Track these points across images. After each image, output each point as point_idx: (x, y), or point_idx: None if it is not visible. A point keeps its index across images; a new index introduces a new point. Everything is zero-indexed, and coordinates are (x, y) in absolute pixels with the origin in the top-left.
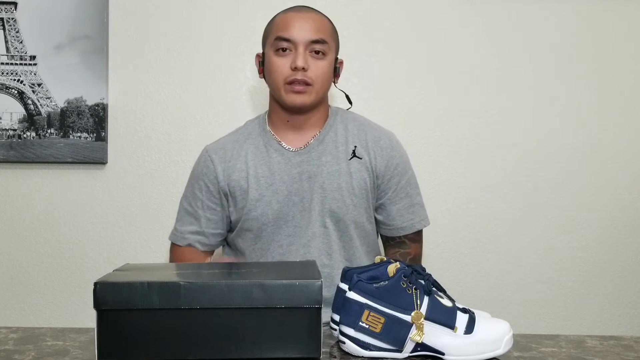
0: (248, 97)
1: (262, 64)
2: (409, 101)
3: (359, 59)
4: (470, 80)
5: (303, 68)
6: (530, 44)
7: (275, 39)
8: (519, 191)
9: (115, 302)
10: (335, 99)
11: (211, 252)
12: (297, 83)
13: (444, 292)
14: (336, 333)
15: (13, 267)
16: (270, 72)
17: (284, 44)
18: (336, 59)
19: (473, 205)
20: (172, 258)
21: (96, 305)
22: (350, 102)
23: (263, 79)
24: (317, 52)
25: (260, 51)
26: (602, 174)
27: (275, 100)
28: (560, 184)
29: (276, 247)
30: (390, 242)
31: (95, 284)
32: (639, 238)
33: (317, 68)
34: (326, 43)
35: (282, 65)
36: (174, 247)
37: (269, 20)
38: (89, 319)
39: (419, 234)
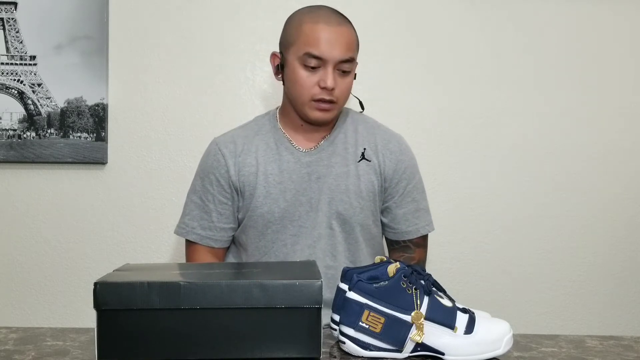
0: (248, 97)
1: (281, 67)
2: (409, 101)
3: (359, 59)
4: (470, 80)
5: (333, 89)
6: (531, 43)
7: (304, 53)
8: (519, 191)
9: (115, 302)
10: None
11: (225, 250)
12: (323, 102)
13: (444, 292)
14: (336, 333)
15: (13, 267)
16: (295, 84)
17: (314, 62)
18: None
19: (473, 205)
20: (190, 260)
21: (96, 305)
22: (363, 108)
23: (276, 80)
24: (343, 72)
25: (277, 50)
26: (602, 174)
27: (294, 106)
28: (560, 184)
29: (280, 246)
30: (394, 246)
31: (95, 284)
32: (639, 238)
33: (344, 85)
34: (354, 60)
35: (310, 81)
36: (191, 246)
37: (270, 19)
38: (89, 319)
39: (424, 238)
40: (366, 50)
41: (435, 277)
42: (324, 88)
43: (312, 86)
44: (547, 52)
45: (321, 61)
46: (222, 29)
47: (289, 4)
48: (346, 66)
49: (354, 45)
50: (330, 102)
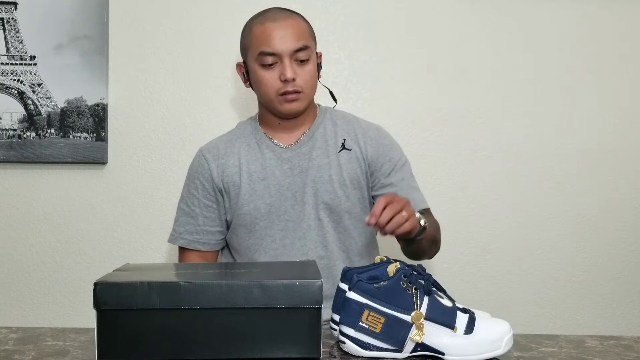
0: (248, 96)
1: (246, 74)
2: (409, 101)
3: (359, 59)
4: (470, 80)
5: (293, 79)
6: (530, 43)
7: (258, 54)
8: (519, 191)
9: (115, 302)
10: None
11: (216, 253)
12: (288, 93)
13: (444, 292)
14: (336, 333)
15: (13, 267)
16: (260, 85)
17: (269, 59)
18: (316, 54)
19: (473, 205)
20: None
21: (96, 305)
22: (335, 100)
23: (250, 88)
24: (302, 61)
25: (240, 60)
26: (602, 173)
27: (266, 108)
28: (560, 184)
29: (269, 242)
30: None
31: (95, 284)
32: (639, 238)
33: (305, 74)
34: (308, 47)
35: (271, 78)
36: (181, 252)
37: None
38: (89, 319)
39: (425, 211)
40: (366, 50)
41: (435, 277)
42: (285, 81)
43: (275, 82)
44: (547, 52)
45: (276, 57)
46: (222, 29)
47: (289, 4)
48: (302, 55)
49: (306, 33)
50: (296, 92)
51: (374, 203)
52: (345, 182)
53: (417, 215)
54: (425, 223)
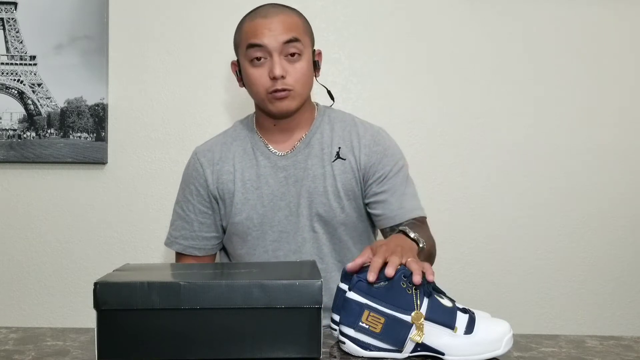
0: (248, 96)
1: (239, 72)
2: (409, 101)
3: (359, 59)
4: (470, 80)
5: (282, 76)
6: (530, 43)
7: (247, 47)
8: (519, 191)
9: (115, 302)
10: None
11: (213, 256)
12: (278, 91)
13: (443, 293)
14: (336, 333)
15: (13, 267)
16: (250, 84)
17: (258, 53)
18: (313, 51)
19: (473, 205)
20: None
21: (96, 305)
22: (333, 98)
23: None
24: (292, 55)
25: (235, 59)
26: (602, 174)
27: (260, 108)
28: (560, 184)
29: (261, 253)
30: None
31: (95, 284)
32: (639, 238)
33: (296, 71)
34: (299, 41)
35: (260, 76)
36: (178, 256)
37: None
38: (89, 319)
39: (418, 221)
40: (366, 50)
41: (435, 277)
42: (274, 78)
43: (264, 80)
44: (547, 52)
45: (265, 51)
46: (222, 29)
47: (289, 4)
48: (292, 48)
49: (297, 26)
50: (285, 90)
51: (367, 212)
52: (339, 193)
53: (413, 234)
54: (423, 244)
